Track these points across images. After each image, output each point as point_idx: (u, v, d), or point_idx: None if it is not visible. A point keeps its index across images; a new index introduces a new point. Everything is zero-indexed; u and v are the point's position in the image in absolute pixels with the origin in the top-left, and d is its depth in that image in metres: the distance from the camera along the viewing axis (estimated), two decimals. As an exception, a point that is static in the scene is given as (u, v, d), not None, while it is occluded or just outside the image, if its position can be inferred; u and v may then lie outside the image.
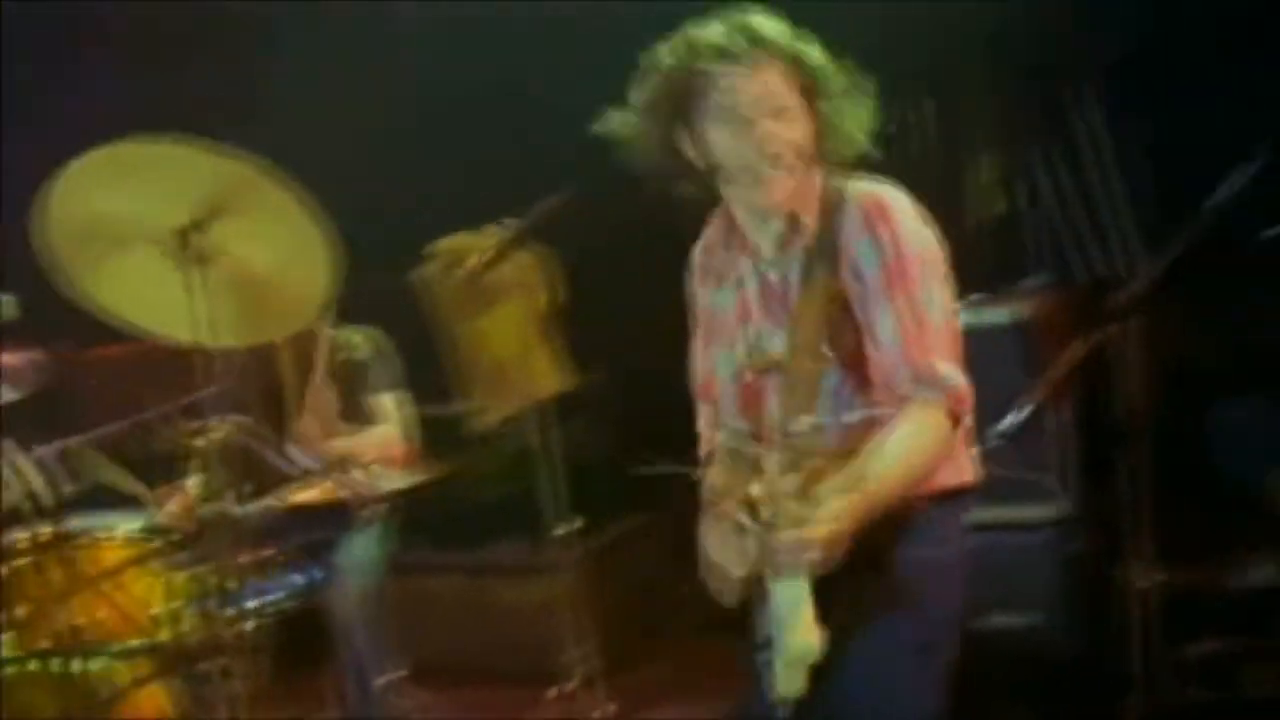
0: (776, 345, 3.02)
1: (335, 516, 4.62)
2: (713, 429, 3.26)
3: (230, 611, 3.78)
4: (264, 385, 4.80)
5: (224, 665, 4.35)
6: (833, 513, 2.73)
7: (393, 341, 5.12)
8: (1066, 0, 5.30)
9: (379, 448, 4.72)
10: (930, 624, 2.97)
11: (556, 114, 6.24)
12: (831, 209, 2.99)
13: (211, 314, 3.59)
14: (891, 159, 3.11)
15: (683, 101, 2.97)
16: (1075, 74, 5.42)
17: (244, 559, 3.77)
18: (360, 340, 4.97)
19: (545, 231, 4.58)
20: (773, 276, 3.07)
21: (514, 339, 4.89)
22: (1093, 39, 5.27)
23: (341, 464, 4.46)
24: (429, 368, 5.40)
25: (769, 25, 2.96)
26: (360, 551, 4.67)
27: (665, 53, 2.99)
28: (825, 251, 2.96)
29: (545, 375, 4.84)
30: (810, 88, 2.97)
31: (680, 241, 5.78)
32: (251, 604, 3.86)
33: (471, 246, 4.83)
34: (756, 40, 2.93)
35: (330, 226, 3.74)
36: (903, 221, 2.95)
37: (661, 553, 6.12)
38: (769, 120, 2.93)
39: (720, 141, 2.96)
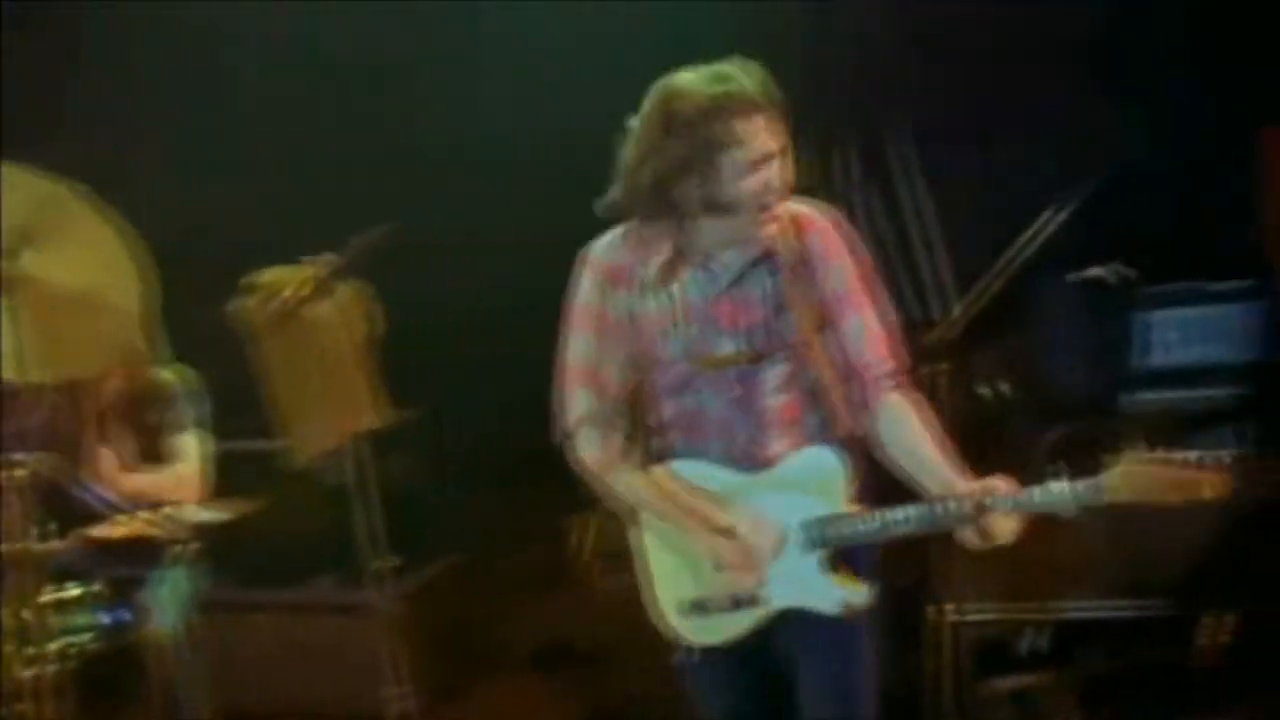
0: (726, 348, 3.38)
1: (144, 554, 4.52)
2: (601, 423, 3.50)
3: (33, 652, 3.66)
4: (71, 420, 4.67)
5: (23, 710, 4.26)
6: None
7: (205, 377, 5.02)
8: (888, 43, 5.40)
9: (175, 488, 4.62)
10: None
11: (382, 145, 6.28)
12: (797, 232, 3.35)
13: (19, 346, 3.47)
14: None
15: (706, 146, 3.20)
16: (891, 117, 5.53)
17: (48, 598, 3.64)
18: (168, 377, 4.86)
19: (363, 265, 4.54)
20: (732, 291, 3.37)
21: (331, 373, 4.85)
22: (906, 82, 5.39)
23: (145, 501, 4.34)
24: (246, 402, 5.34)
25: (761, 73, 3.24)
26: (169, 590, 4.56)
27: (691, 100, 3.20)
28: (803, 272, 3.35)
29: (362, 410, 4.80)
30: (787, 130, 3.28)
31: (501, 277, 5.80)
32: (55, 644, 3.73)
33: (288, 279, 4.78)
34: (767, 89, 3.21)
35: (146, 256, 3.66)
36: (852, 239, 3.41)
37: (479, 590, 6.10)
38: (777, 162, 3.25)
39: (742, 184, 3.22)
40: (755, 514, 3.39)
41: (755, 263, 3.36)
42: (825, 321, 3.37)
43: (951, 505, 3.23)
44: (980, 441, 3.60)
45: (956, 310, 4.43)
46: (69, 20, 6.25)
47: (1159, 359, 5.02)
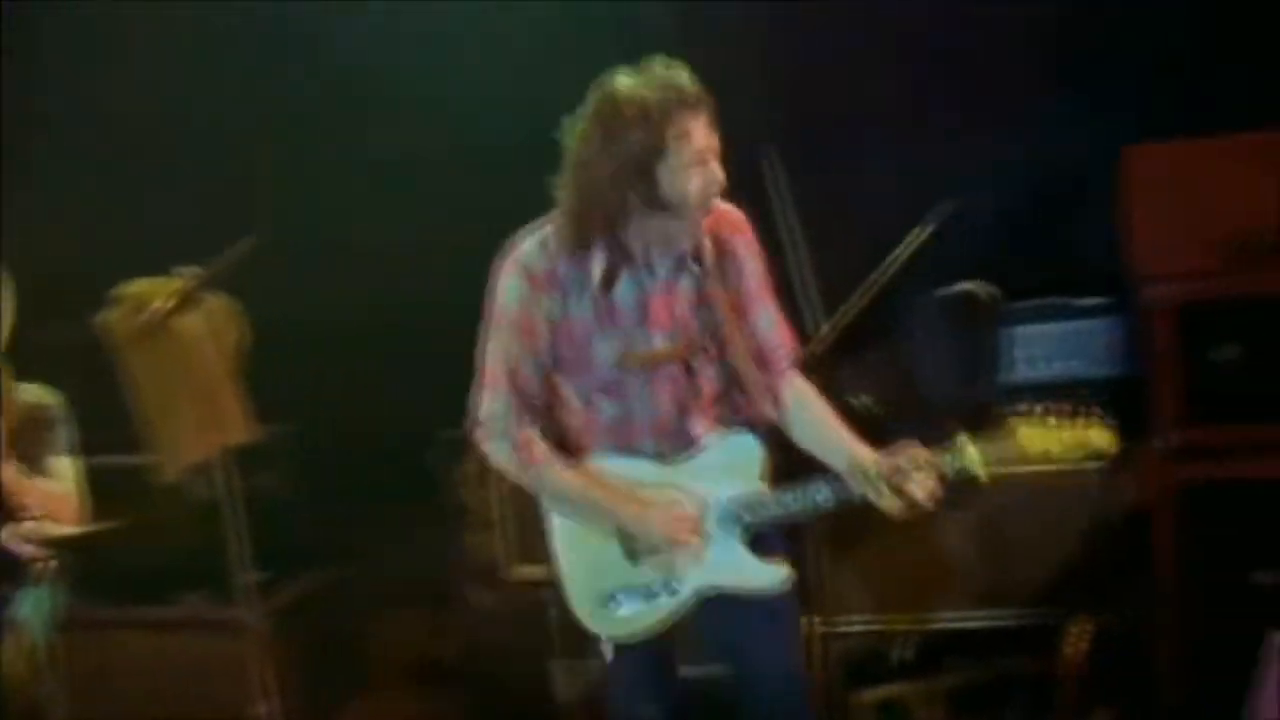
0: (658, 345, 3.53)
1: (8, 570, 4.45)
2: (516, 421, 3.58)
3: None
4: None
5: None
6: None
7: (71, 390, 4.94)
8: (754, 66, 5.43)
9: (54, 505, 4.53)
10: None
11: (245, 154, 6.22)
12: (721, 229, 3.54)
13: None
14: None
15: (658, 145, 3.31)
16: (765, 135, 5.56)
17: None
18: (50, 398, 4.78)
19: (229, 278, 4.50)
20: (664, 290, 3.51)
21: (199, 387, 4.80)
22: (775, 102, 5.43)
23: (16, 513, 4.27)
24: (113, 416, 5.26)
25: (690, 73, 3.39)
26: (31, 607, 4.49)
27: (641, 99, 3.30)
28: (724, 267, 3.54)
29: (231, 424, 4.76)
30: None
31: (370, 289, 5.76)
32: None
33: (155, 292, 4.73)
34: (703, 90, 3.35)
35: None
36: (750, 231, 3.64)
37: (347, 606, 6.05)
38: (714, 162, 3.38)
39: (690, 181, 3.34)
40: (680, 494, 3.56)
41: (683, 260, 3.50)
42: (741, 313, 3.57)
43: (871, 472, 3.38)
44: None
45: (824, 327, 4.47)
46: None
47: (1023, 373, 5.09)
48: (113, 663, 5.50)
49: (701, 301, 3.52)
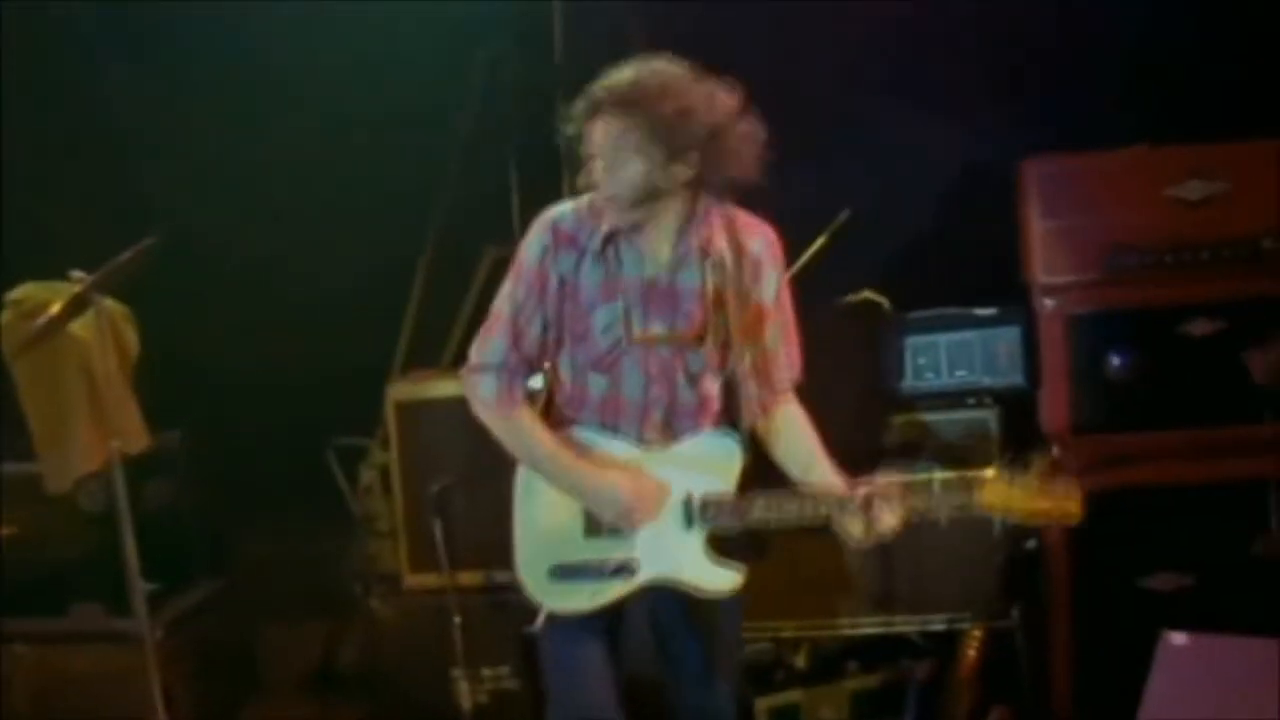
0: (655, 329, 3.57)
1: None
2: (508, 371, 3.61)
3: None
4: None
5: None
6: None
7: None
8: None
9: None
10: None
11: (134, 154, 6.15)
12: (740, 234, 3.59)
13: None
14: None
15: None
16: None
17: None
18: None
19: (121, 283, 4.44)
20: (665, 276, 3.56)
21: (90, 395, 4.73)
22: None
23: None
24: (2, 423, 5.18)
25: None
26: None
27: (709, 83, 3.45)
28: (741, 272, 3.58)
29: (125, 432, 4.70)
30: None
31: (262, 293, 5.69)
32: None
33: (45, 297, 4.67)
34: (608, 93, 3.44)
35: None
36: (772, 237, 3.66)
37: (242, 616, 6.00)
38: (593, 161, 3.48)
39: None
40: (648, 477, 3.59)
41: (689, 253, 3.55)
42: (753, 323, 3.60)
43: (849, 503, 3.45)
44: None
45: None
46: None
47: (921, 382, 5.15)
48: (4, 674, 5.41)
49: (708, 298, 3.55)
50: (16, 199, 6.07)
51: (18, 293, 5.07)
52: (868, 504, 3.43)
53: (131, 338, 5.08)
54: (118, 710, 5.19)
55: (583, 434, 3.63)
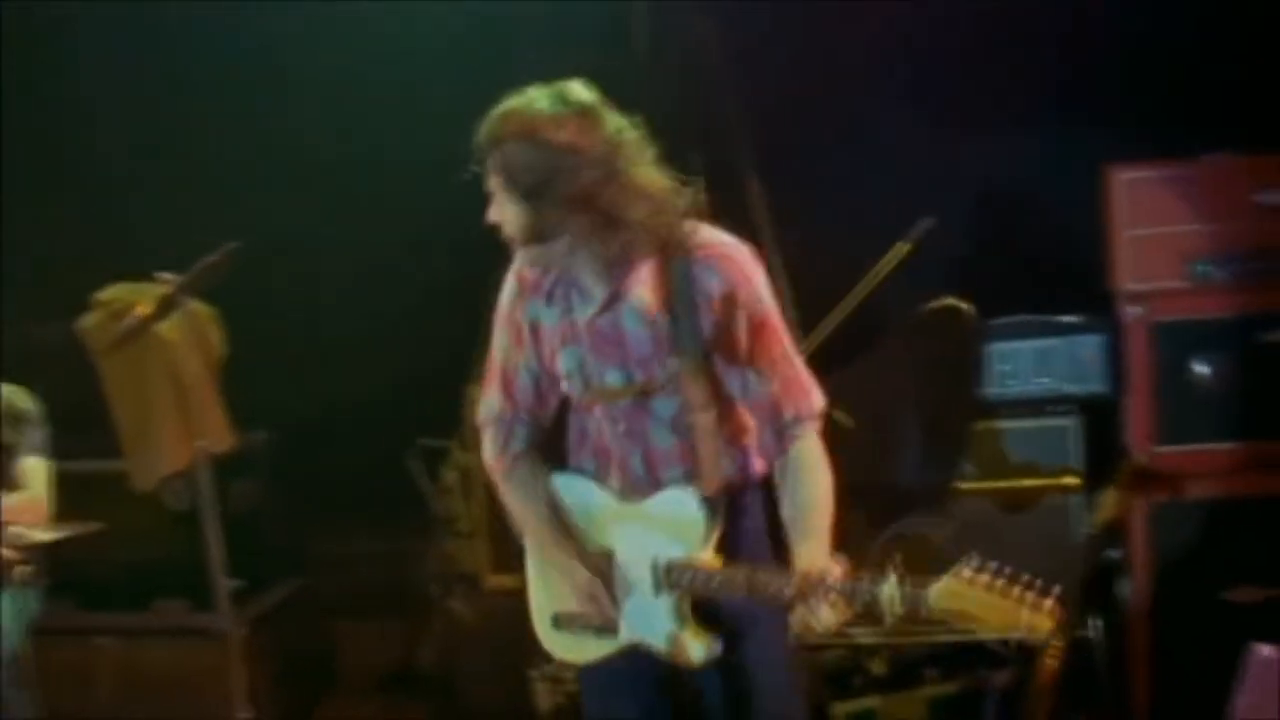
0: (613, 378, 3.36)
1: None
2: (503, 426, 3.54)
3: None
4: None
5: None
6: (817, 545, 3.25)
7: (47, 395, 4.92)
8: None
9: (23, 512, 4.51)
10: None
11: (225, 157, 6.22)
12: (689, 268, 3.27)
13: None
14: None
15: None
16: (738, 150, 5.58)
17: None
18: (24, 400, 4.76)
19: (208, 284, 4.48)
20: (600, 322, 3.33)
21: (178, 395, 4.79)
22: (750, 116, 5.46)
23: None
24: (88, 420, 5.24)
25: None
26: (3, 613, 4.47)
27: (609, 117, 3.20)
28: (696, 307, 3.26)
29: (209, 432, 4.74)
30: None
31: (348, 296, 5.73)
32: None
33: (134, 298, 4.71)
34: (485, 133, 3.22)
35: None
36: (754, 278, 3.31)
37: (323, 614, 6.07)
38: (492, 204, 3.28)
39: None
40: (621, 543, 3.39)
41: (619, 298, 3.30)
42: (730, 356, 3.31)
43: (784, 586, 3.16)
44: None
45: (800, 343, 4.48)
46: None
47: (1003, 388, 5.13)
48: (88, 669, 5.50)
49: (664, 342, 3.28)
50: (112, 198, 6.19)
51: (106, 293, 5.12)
52: (803, 596, 3.12)
53: (217, 339, 5.13)
54: (199, 705, 5.27)
55: (572, 482, 3.47)
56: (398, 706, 5.78)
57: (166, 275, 4.46)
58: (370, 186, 5.89)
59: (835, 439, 3.56)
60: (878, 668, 5.10)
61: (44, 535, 4.21)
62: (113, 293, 5.12)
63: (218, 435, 4.88)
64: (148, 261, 4.63)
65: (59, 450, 4.82)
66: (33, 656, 4.22)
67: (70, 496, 4.77)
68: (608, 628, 3.40)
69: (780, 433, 3.35)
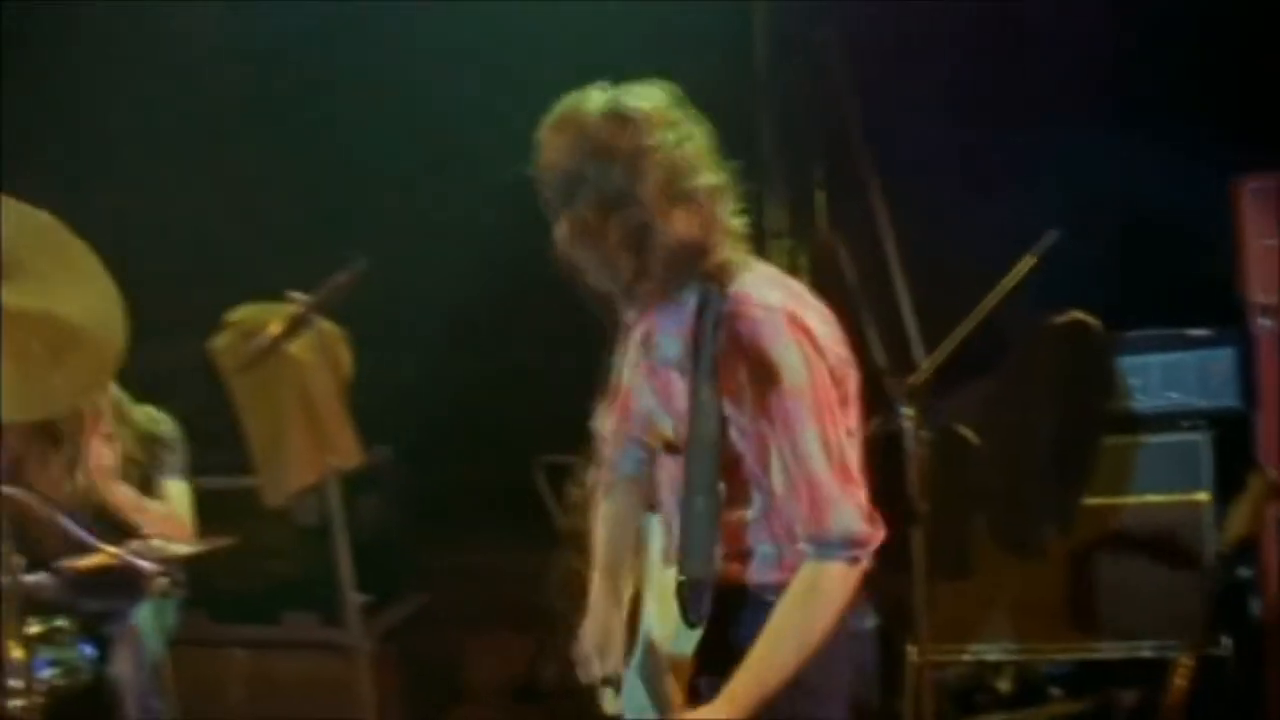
0: (665, 425, 3.10)
1: (116, 587, 4.51)
2: (605, 456, 3.36)
3: (5, 687, 3.66)
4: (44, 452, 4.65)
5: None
6: (725, 697, 2.85)
7: (180, 412, 5.02)
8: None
9: (167, 527, 4.60)
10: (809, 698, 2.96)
11: (353, 176, 6.32)
12: (709, 303, 2.91)
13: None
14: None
15: None
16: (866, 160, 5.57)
17: (28, 630, 3.64)
18: (164, 420, 4.86)
19: (335, 302, 4.54)
20: (660, 362, 3.09)
21: (309, 412, 4.85)
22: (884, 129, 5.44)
23: (128, 518, 4.34)
24: (219, 437, 5.34)
25: None
26: (144, 623, 4.56)
27: (668, 126, 2.90)
28: (711, 361, 2.89)
29: (338, 449, 4.81)
30: None
31: (473, 312, 5.76)
32: (19, 680, 3.69)
33: (265, 317, 4.78)
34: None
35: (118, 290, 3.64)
36: (774, 348, 2.85)
37: (449, 629, 6.12)
38: None
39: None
40: (647, 607, 3.19)
41: (650, 332, 3.10)
42: (755, 442, 2.92)
43: None
44: (946, 483, 3.63)
45: (924, 358, 4.46)
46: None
47: (1134, 403, 5.07)
48: (220, 679, 5.60)
49: (696, 397, 2.91)
50: (242, 219, 6.32)
51: (237, 313, 5.20)
52: None
53: (346, 357, 5.19)
54: (327, 716, 5.33)
55: (655, 527, 3.21)
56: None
57: (296, 294, 4.53)
58: (498, 198, 5.95)
59: (961, 453, 3.55)
60: (1003, 685, 5.06)
61: (182, 549, 4.30)
62: (243, 313, 5.20)
63: (347, 452, 4.94)
64: (274, 281, 4.70)
65: (191, 466, 4.90)
66: (170, 666, 4.29)
67: (203, 512, 4.85)
68: (613, 681, 3.20)
69: (796, 541, 2.91)
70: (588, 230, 2.88)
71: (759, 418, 2.87)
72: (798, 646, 2.85)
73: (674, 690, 2.98)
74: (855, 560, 2.87)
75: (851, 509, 2.85)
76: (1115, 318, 5.10)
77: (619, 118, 2.85)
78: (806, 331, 2.86)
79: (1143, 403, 5.06)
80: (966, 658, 5.03)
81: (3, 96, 5.98)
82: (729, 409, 2.89)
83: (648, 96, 2.89)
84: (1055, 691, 5.02)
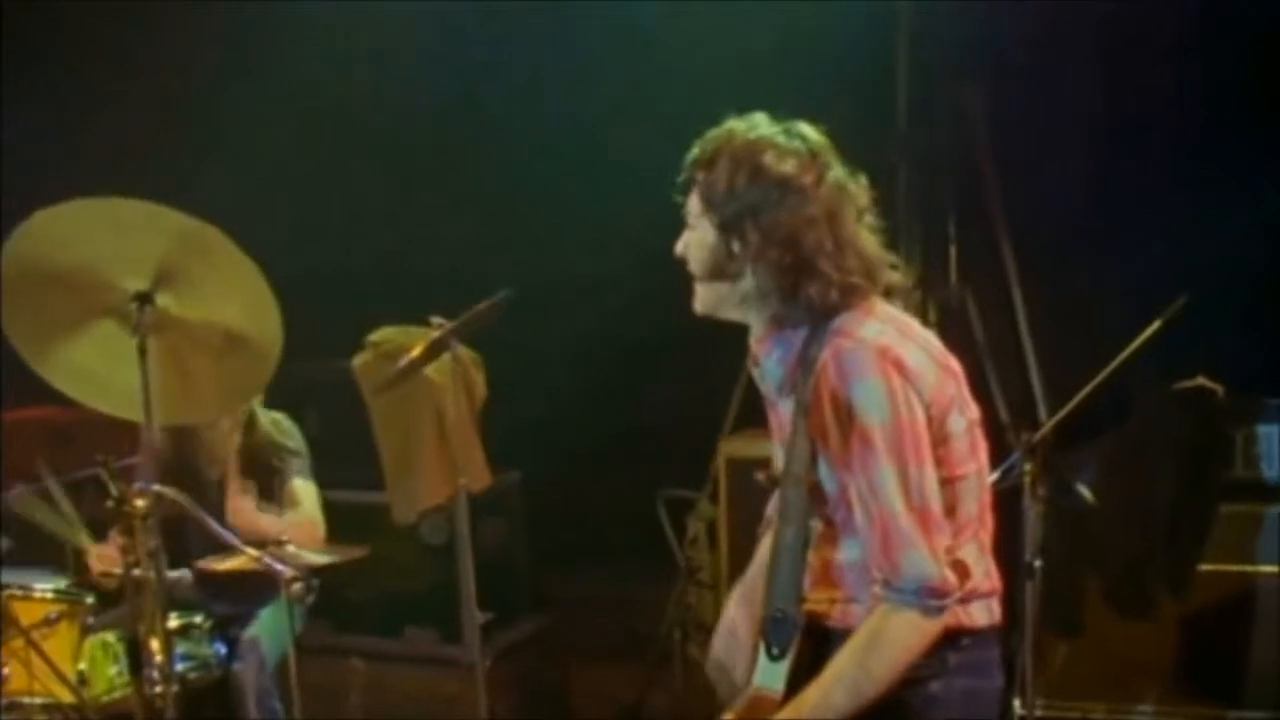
0: (777, 459, 3.02)
1: (250, 590, 4.65)
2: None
3: (144, 676, 3.80)
4: (187, 455, 4.82)
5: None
6: None
7: (310, 427, 5.17)
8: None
9: (300, 531, 4.75)
10: None
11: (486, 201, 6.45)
12: (817, 337, 2.88)
13: (158, 388, 3.57)
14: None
15: None
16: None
17: (168, 625, 3.78)
18: (288, 425, 5.02)
19: (474, 332, 4.66)
20: (772, 395, 3.03)
21: (444, 434, 4.96)
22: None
23: (273, 540, 4.48)
24: (355, 454, 5.48)
25: None
26: (272, 626, 4.70)
27: (836, 165, 2.92)
28: (808, 394, 2.86)
29: (470, 471, 4.91)
30: None
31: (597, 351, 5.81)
32: (157, 672, 3.80)
33: (405, 340, 4.91)
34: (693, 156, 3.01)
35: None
36: (857, 380, 2.79)
37: (563, 653, 6.21)
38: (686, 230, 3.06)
39: None
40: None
41: (758, 359, 3.03)
42: (838, 478, 2.87)
43: None
44: (1062, 541, 3.64)
45: (1047, 415, 4.49)
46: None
47: (1253, 472, 5.05)
48: (340, 687, 5.71)
49: (795, 433, 2.89)
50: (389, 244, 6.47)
51: (377, 335, 5.35)
52: None
53: (480, 382, 5.31)
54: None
55: None
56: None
57: (437, 319, 4.65)
58: (628, 229, 6.04)
59: (1079, 512, 3.56)
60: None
61: (316, 558, 4.43)
62: (384, 334, 5.34)
63: (477, 474, 5.03)
64: (422, 305, 4.83)
65: (325, 480, 5.06)
66: (294, 670, 4.40)
67: (332, 525, 4.98)
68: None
69: (874, 581, 2.82)
70: (744, 250, 2.88)
71: (842, 452, 2.80)
72: (851, 695, 2.78)
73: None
74: (929, 610, 2.77)
75: (926, 553, 2.76)
76: (1240, 385, 5.08)
77: (805, 151, 2.87)
78: (899, 366, 2.79)
79: (1265, 471, 5.04)
80: (1074, 715, 5.03)
81: (173, 115, 6.22)
82: (818, 443, 2.85)
83: (816, 134, 2.93)
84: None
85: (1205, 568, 4.97)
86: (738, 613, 3.18)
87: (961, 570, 2.84)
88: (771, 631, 2.87)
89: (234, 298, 3.64)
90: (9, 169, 5.69)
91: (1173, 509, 4.99)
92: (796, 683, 2.85)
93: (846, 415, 2.78)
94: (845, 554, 2.92)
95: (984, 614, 2.93)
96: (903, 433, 2.77)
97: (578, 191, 6.20)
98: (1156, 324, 4.97)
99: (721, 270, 2.93)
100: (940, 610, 2.78)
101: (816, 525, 2.92)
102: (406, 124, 6.56)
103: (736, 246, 2.88)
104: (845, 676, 2.78)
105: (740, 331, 3.08)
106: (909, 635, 2.78)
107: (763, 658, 2.88)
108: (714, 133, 2.93)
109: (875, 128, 5.54)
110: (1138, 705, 5.00)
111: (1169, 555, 4.99)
